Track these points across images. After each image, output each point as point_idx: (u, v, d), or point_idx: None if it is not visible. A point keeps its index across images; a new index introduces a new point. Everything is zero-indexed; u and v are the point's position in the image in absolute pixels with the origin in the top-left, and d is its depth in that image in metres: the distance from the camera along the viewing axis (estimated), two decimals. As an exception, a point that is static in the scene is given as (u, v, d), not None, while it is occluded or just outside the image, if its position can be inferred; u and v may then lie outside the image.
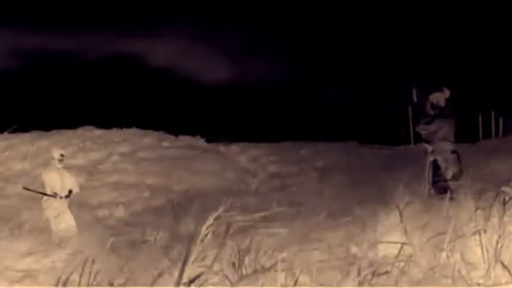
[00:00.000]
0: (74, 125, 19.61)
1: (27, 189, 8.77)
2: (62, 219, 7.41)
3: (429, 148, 5.77)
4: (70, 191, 7.59)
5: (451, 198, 4.27)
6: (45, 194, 7.56)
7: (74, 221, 7.59)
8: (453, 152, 5.73)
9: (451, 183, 5.42)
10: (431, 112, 5.85)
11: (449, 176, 5.52)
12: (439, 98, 5.84)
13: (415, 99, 5.93)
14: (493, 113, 18.97)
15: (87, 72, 31.32)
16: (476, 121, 19.01)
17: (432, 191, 5.55)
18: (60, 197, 7.43)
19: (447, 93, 5.88)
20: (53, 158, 7.68)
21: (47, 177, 7.63)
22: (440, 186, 5.47)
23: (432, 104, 5.85)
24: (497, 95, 21.13)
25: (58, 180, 7.57)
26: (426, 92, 5.92)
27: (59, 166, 7.62)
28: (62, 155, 7.72)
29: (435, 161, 5.70)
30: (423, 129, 5.88)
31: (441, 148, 5.71)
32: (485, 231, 2.97)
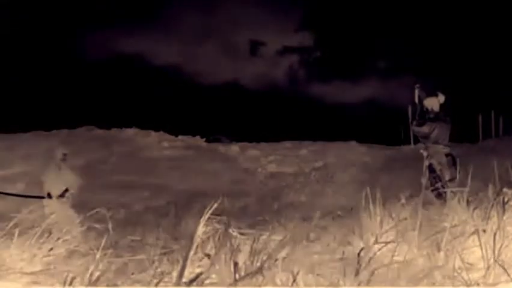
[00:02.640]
0: (74, 125, 19.68)
1: (2, 193, 8.72)
2: (62, 219, 7.39)
3: (425, 153, 5.76)
4: (66, 190, 7.48)
5: (448, 200, 4.27)
6: (24, 196, 7.48)
7: (74, 221, 7.57)
8: (447, 155, 5.71)
9: (448, 185, 5.43)
10: (426, 116, 5.84)
11: (445, 178, 5.51)
12: (433, 103, 5.81)
13: (416, 99, 5.90)
14: (493, 113, 18.98)
15: (87, 72, 31.37)
16: (476, 121, 19.02)
17: (429, 193, 5.56)
18: (50, 197, 7.34)
19: (441, 98, 5.83)
20: (56, 157, 7.65)
21: (47, 177, 7.60)
22: (437, 189, 5.47)
23: (427, 109, 5.82)
24: (497, 95, 21.16)
25: (58, 180, 7.54)
26: (426, 93, 5.90)
27: (62, 165, 7.58)
28: (64, 154, 7.69)
29: (431, 164, 5.70)
30: (415, 131, 5.87)
31: (435, 151, 5.70)
32: (484, 231, 2.97)
